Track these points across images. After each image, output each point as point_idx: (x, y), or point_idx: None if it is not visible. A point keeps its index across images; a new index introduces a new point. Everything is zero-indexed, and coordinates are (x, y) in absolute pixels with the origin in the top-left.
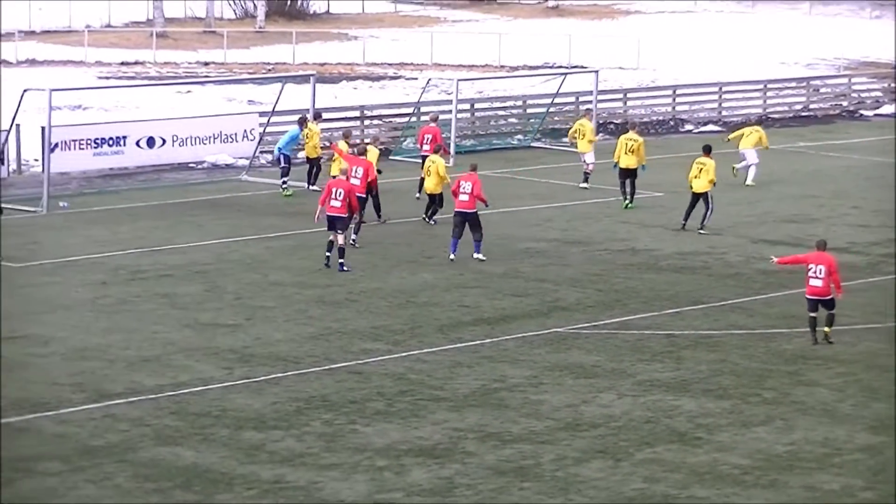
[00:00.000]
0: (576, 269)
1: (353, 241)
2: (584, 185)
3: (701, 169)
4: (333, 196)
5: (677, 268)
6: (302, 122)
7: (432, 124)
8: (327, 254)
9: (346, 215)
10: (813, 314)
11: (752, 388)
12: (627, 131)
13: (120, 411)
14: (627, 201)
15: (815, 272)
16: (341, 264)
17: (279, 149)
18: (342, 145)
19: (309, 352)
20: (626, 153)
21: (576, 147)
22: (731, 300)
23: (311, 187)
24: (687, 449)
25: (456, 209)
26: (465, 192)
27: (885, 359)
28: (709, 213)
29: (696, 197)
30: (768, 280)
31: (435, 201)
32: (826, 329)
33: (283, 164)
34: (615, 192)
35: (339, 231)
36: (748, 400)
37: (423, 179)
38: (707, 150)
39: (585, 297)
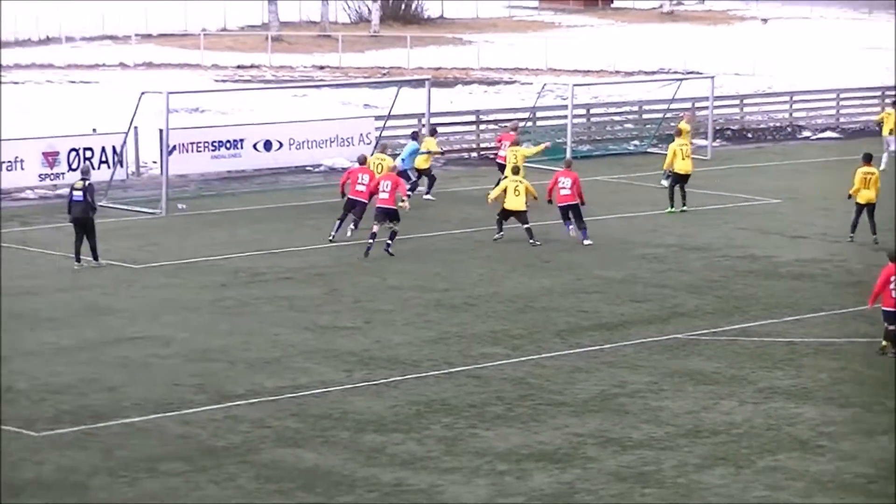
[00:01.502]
0: (695, 275)
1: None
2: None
3: (869, 179)
4: (382, 188)
5: (797, 275)
6: (414, 136)
7: (512, 132)
8: (369, 243)
9: (395, 207)
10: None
11: (874, 397)
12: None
13: (241, 412)
14: (676, 208)
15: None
16: (388, 245)
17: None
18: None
19: (428, 355)
20: (682, 158)
21: None
22: (851, 308)
23: (426, 196)
24: (809, 457)
25: (559, 204)
26: (564, 187)
27: None
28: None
29: (861, 208)
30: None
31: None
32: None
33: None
34: (732, 199)
35: (384, 222)
36: (871, 409)
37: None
38: (868, 159)
39: (705, 303)
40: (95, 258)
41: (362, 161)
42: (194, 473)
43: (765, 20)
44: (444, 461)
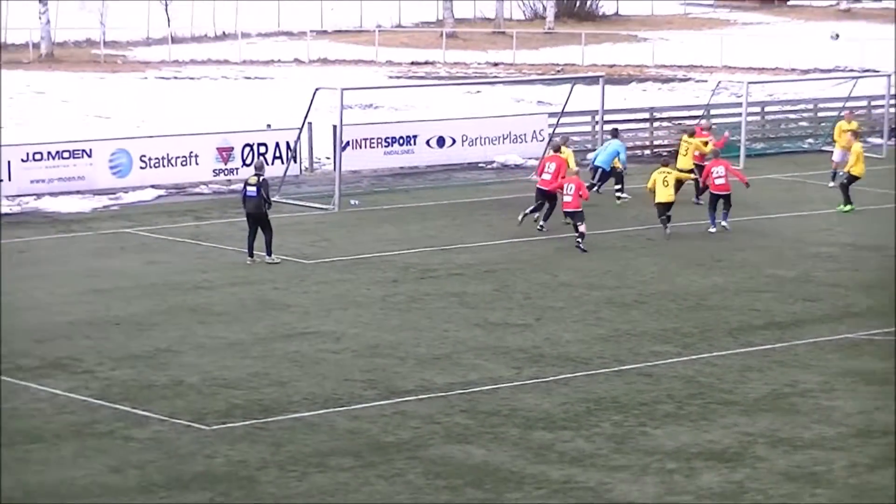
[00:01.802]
0: (869, 274)
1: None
2: (832, 183)
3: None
4: (565, 191)
5: None
6: (615, 134)
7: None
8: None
9: (579, 209)
10: None
11: None
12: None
13: (410, 408)
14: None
15: None
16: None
17: (599, 161)
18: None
19: (598, 353)
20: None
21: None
22: None
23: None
24: None
25: (713, 192)
26: (719, 176)
27: None
28: None
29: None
30: None
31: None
32: None
33: (598, 178)
34: None
35: (577, 222)
36: None
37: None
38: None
39: (878, 303)
40: (269, 253)
41: (556, 148)
42: (363, 469)
43: (836, 36)
44: (612, 459)
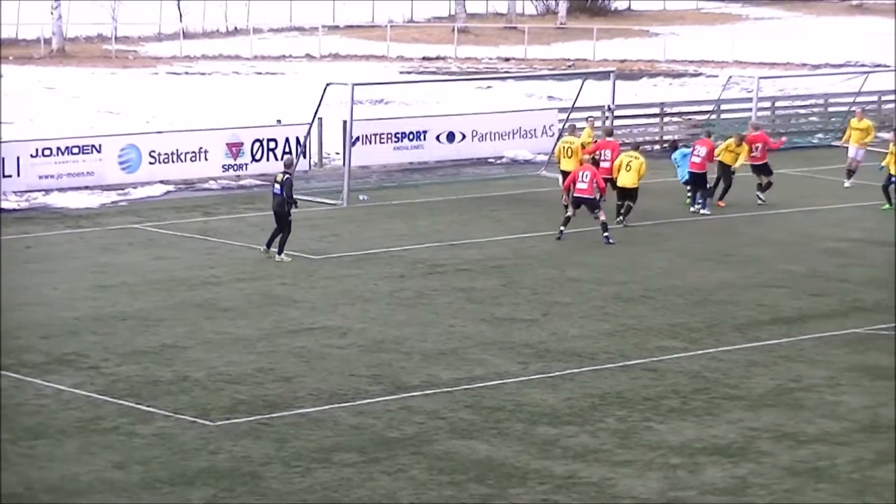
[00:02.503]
0: (878, 269)
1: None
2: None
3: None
4: (580, 178)
5: None
6: (675, 146)
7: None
8: (561, 228)
9: (593, 196)
10: None
11: None
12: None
13: (416, 403)
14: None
15: None
16: (606, 237)
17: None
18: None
19: (604, 348)
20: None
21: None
22: None
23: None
24: None
25: (692, 170)
26: (697, 155)
27: None
28: None
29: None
30: None
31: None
32: None
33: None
34: None
35: (595, 211)
36: None
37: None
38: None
39: (886, 298)
40: (279, 252)
41: (609, 133)
42: (367, 464)
43: None
44: (617, 454)
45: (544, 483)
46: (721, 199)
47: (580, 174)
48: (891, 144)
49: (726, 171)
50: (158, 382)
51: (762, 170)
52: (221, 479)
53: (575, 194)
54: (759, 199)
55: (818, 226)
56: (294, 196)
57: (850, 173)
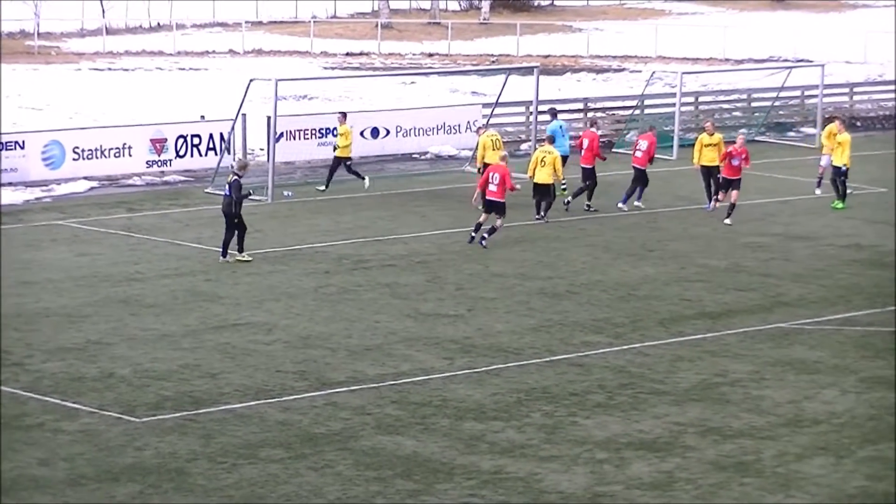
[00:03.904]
0: (799, 264)
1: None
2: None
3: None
4: (491, 180)
5: None
6: (554, 114)
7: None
8: (472, 234)
9: (502, 200)
10: None
11: None
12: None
13: (342, 399)
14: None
15: None
16: (483, 238)
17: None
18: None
19: (530, 343)
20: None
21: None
22: None
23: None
24: None
25: (634, 164)
26: (640, 149)
27: None
28: None
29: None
30: None
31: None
32: None
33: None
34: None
35: (501, 217)
36: None
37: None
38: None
39: (809, 292)
40: (239, 250)
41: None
42: (293, 460)
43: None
44: (543, 449)
45: (471, 478)
46: (716, 194)
47: (490, 175)
48: (828, 137)
49: (711, 173)
50: (83, 379)
51: (733, 184)
52: (147, 476)
53: (487, 197)
54: (712, 207)
55: (740, 221)
56: (243, 193)
57: (821, 181)
